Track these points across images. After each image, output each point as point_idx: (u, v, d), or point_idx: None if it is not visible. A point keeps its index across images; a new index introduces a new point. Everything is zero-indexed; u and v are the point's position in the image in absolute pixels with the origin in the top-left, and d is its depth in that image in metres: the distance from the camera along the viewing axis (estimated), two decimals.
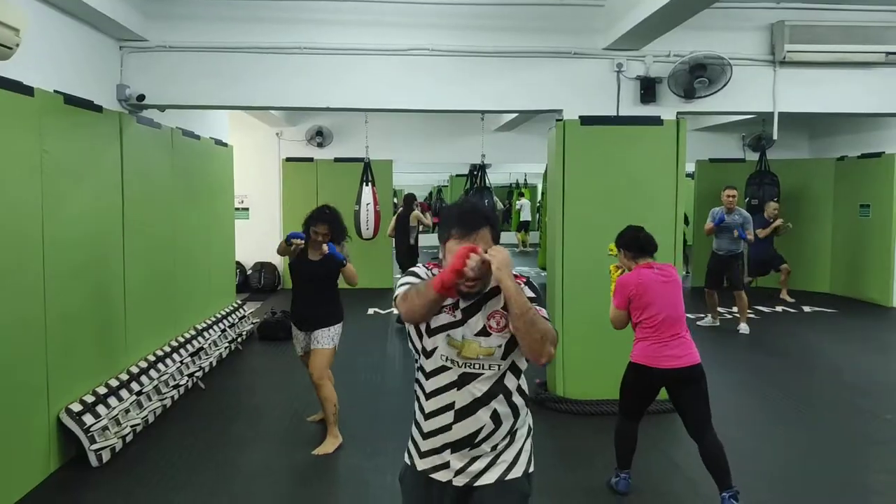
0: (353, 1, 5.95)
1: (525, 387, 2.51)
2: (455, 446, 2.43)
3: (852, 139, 11.83)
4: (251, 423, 5.81)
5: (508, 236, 22.42)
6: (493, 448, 2.45)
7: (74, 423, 4.75)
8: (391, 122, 12.39)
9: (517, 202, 23.06)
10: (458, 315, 2.38)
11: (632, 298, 4.22)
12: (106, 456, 4.85)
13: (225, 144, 8.93)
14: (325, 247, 5.09)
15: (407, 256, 10.30)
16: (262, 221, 12.48)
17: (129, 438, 5.20)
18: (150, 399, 5.77)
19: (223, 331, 8.01)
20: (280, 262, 12.55)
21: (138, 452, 5.09)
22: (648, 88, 6.13)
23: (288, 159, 12.84)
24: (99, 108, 5.41)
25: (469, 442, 2.42)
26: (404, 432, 5.53)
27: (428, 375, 2.45)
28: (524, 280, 2.39)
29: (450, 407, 2.41)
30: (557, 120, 6.23)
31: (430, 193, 27.56)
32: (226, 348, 7.79)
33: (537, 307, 2.31)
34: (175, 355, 6.57)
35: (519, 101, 6.37)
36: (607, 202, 6.09)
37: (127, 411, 5.34)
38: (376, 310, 10.85)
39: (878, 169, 11.17)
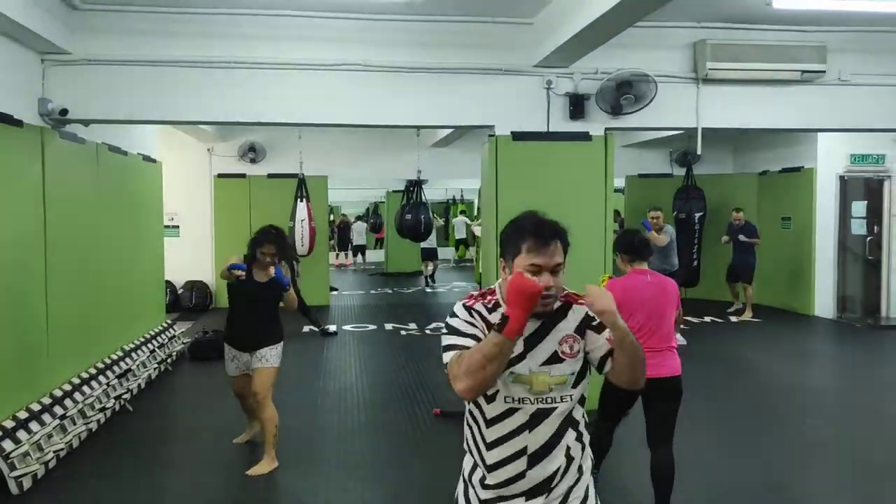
0: (284, 16, 5.92)
1: (585, 416, 2.29)
2: (530, 494, 2.18)
3: (773, 154, 12.29)
4: (182, 445, 5.67)
5: (445, 252, 22.50)
6: (569, 489, 2.22)
7: None
8: (326, 138, 12.33)
9: (454, 219, 23.18)
10: (514, 351, 2.08)
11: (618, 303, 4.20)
12: (27, 483, 4.65)
13: (153, 160, 8.73)
14: (271, 269, 5.02)
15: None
16: (193, 239, 12.22)
17: (52, 464, 5.00)
18: (74, 423, 5.57)
19: (152, 351, 7.80)
20: (212, 281, 12.32)
21: (62, 479, 4.90)
22: (577, 105, 6.27)
23: (220, 175, 12.64)
24: (19, 123, 5.24)
25: (546, 487, 2.18)
26: (339, 450, 5.53)
27: (489, 423, 2.17)
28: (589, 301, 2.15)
29: (522, 453, 2.15)
30: (490, 135, 6.30)
31: (367, 210, 27.47)
32: (155, 369, 7.59)
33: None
34: (101, 377, 6.37)
35: (451, 116, 6.44)
36: None
37: (49, 436, 5.14)
38: (311, 328, 10.72)
39: (798, 183, 11.63)
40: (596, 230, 6.27)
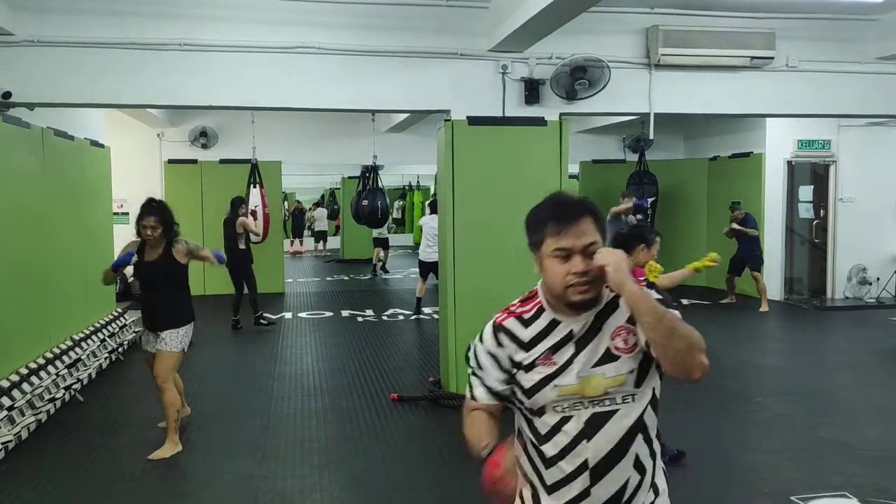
0: None
1: (657, 422, 1.99)
2: None
3: (724, 140, 12.52)
4: (134, 434, 5.57)
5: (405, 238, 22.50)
6: None
7: None
8: (279, 123, 12.18)
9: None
10: (562, 358, 1.86)
11: None
12: None
13: (101, 145, 8.54)
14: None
15: (237, 263, 9.42)
16: None
17: None
18: (23, 414, 5.44)
19: (103, 340, 7.65)
20: None
21: (11, 471, 4.79)
22: (532, 90, 6.29)
23: (170, 161, 12.40)
24: None
25: None
26: (296, 436, 5.50)
27: (543, 439, 1.90)
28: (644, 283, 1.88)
29: (583, 467, 1.86)
30: (446, 120, 6.29)
31: (323, 196, 27.25)
32: (106, 359, 7.44)
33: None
34: (50, 367, 6.23)
35: (407, 100, 6.41)
36: (495, 200, 6.20)
37: None
38: (267, 315, 10.63)
39: (748, 168, 11.87)
40: None
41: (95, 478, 4.74)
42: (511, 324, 1.93)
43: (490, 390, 1.95)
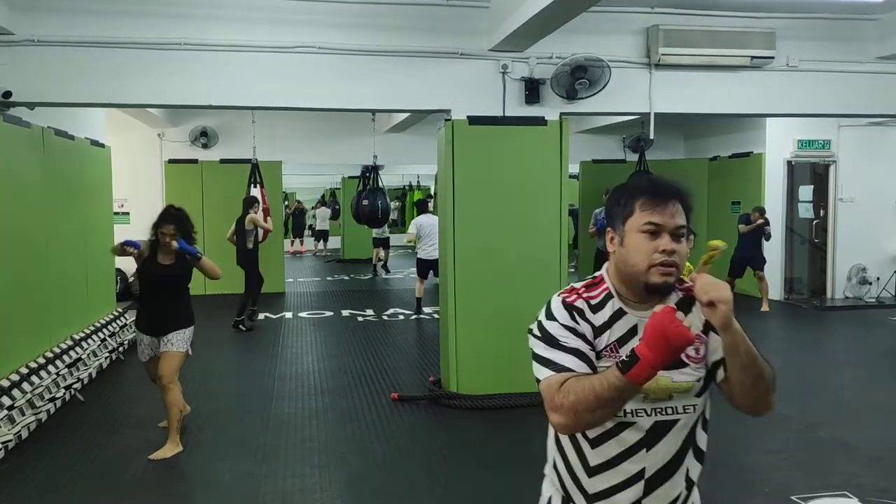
0: None
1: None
2: None
3: (724, 140, 12.53)
4: (134, 433, 5.57)
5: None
6: None
7: None
8: (280, 122, 12.18)
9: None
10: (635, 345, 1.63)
11: None
12: None
13: (102, 145, 8.54)
14: (174, 243, 4.98)
15: (246, 261, 9.55)
16: (144, 226, 11.85)
17: None
18: (23, 413, 5.44)
19: (103, 340, 7.66)
20: None
21: (12, 470, 4.79)
22: (533, 89, 6.28)
23: (171, 161, 12.40)
24: None
25: None
26: (296, 436, 5.50)
27: (594, 442, 1.78)
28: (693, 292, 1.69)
29: (638, 477, 1.77)
30: (446, 120, 6.29)
31: (323, 196, 27.23)
32: (106, 358, 7.44)
33: None
34: (50, 367, 6.23)
35: (408, 100, 6.41)
36: (496, 199, 6.22)
37: None
38: (267, 315, 10.64)
39: (748, 168, 11.88)
40: (552, 214, 6.31)
41: (95, 478, 4.74)
42: (581, 305, 1.78)
43: (581, 355, 1.71)
